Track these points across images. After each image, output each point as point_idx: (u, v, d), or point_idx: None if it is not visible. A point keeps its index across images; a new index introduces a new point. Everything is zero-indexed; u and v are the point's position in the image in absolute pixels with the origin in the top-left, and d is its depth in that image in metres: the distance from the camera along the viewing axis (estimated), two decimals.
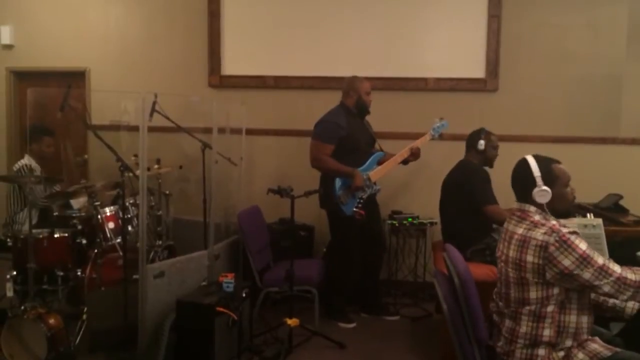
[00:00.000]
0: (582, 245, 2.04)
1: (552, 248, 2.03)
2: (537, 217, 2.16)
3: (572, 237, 2.04)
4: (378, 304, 4.34)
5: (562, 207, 2.22)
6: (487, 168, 3.77)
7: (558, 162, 2.22)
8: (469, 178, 3.63)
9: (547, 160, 2.21)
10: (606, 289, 2.02)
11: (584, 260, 2.01)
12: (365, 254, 4.22)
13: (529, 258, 2.09)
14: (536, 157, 2.21)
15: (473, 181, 3.59)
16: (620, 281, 2.01)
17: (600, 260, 2.03)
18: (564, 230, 2.06)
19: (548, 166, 2.18)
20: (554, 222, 2.13)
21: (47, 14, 5.40)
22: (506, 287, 2.21)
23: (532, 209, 2.20)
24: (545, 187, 2.15)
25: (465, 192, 3.59)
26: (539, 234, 2.08)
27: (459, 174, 3.75)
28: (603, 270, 2.02)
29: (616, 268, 2.03)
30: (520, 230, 2.16)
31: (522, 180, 2.21)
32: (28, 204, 3.45)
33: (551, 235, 2.05)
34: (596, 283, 2.02)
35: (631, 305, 2.29)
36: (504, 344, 2.20)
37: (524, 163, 2.22)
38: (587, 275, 2.01)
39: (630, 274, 2.03)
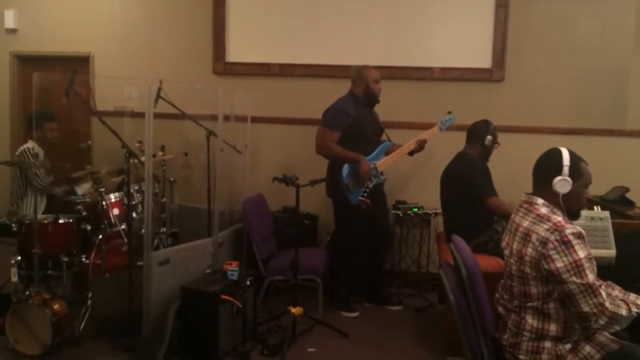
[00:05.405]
0: (581, 253, 1.98)
1: (550, 245, 2.00)
2: (543, 210, 2.13)
3: (575, 241, 1.99)
4: (381, 294, 4.35)
5: (575, 206, 2.19)
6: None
7: (586, 163, 2.20)
8: (468, 171, 3.61)
9: (578, 157, 2.19)
10: (585, 308, 1.97)
11: (577, 268, 1.96)
12: (371, 244, 4.22)
13: (529, 251, 2.07)
14: (569, 150, 2.19)
15: (473, 174, 3.57)
16: (602, 307, 1.96)
17: (591, 277, 1.97)
18: (568, 230, 2.00)
19: (577, 162, 2.16)
20: (559, 218, 2.09)
21: None
22: (510, 280, 2.21)
23: (540, 201, 2.17)
24: (568, 178, 2.12)
25: (466, 185, 3.57)
26: (541, 230, 2.05)
27: (458, 167, 3.72)
28: (591, 289, 1.96)
29: (604, 294, 1.98)
30: (525, 223, 2.14)
31: (548, 166, 2.18)
32: (32, 188, 3.45)
33: (553, 233, 2.01)
34: (578, 297, 1.97)
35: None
36: (510, 337, 2.19)
37: (556, 151, 2.19)
38: (572, 285, 1.96)
39: (609, 304, 1.97)
